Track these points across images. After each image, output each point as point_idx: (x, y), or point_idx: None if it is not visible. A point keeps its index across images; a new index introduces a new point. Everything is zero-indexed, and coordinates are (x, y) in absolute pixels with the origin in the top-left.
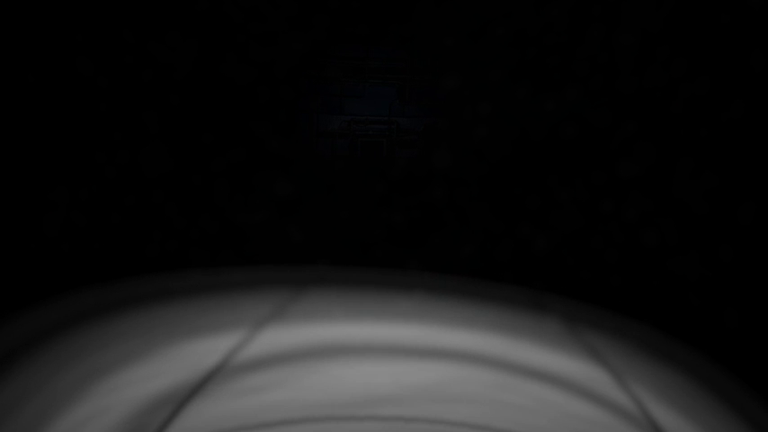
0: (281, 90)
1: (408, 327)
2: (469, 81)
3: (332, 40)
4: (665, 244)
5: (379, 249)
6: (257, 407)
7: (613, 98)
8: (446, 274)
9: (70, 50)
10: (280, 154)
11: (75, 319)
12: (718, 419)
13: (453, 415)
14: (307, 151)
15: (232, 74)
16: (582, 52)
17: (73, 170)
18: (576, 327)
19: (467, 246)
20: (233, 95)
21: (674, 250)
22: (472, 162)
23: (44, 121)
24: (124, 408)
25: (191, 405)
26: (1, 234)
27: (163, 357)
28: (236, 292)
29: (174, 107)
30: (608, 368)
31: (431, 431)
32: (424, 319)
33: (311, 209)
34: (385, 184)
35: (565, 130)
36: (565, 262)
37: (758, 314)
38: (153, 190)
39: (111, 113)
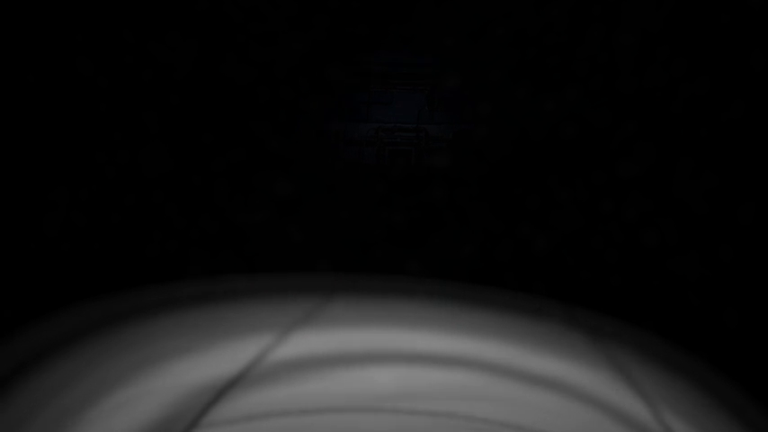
0: (281, 90)
1: (436, 334)
2: (469, 81)
3: (334, 41)
4: (665, 244)
5: (379, 249)
6: (291, 397)
7: (613, 98)
8: (447, 275)
9: (70, 50)
10: (280, 154)
11: (123, 316)
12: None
13: (476, 412)
14: (334, 158)
15: (232, 74)
16: (582, 52)
17: (73, 170)
18: (601, 339)
19: (467, 246)
20: (233, 95)
21: (674, 250)
22: (472, 162)
23: (44, 121)
24: (169, 392)
25: (228, 394)
26: (1, 234)
27: (204, 353)
28: (270, 297)
29: (174, 107)
30: (629, 381)
31: (451, 426)
32: (451, 326)
33: (311, 209)
34: (385, 184)
35: (565, 130)
36: (565, 262)
37: (758, 314)
38: (153, 190)
39: (111, 113)
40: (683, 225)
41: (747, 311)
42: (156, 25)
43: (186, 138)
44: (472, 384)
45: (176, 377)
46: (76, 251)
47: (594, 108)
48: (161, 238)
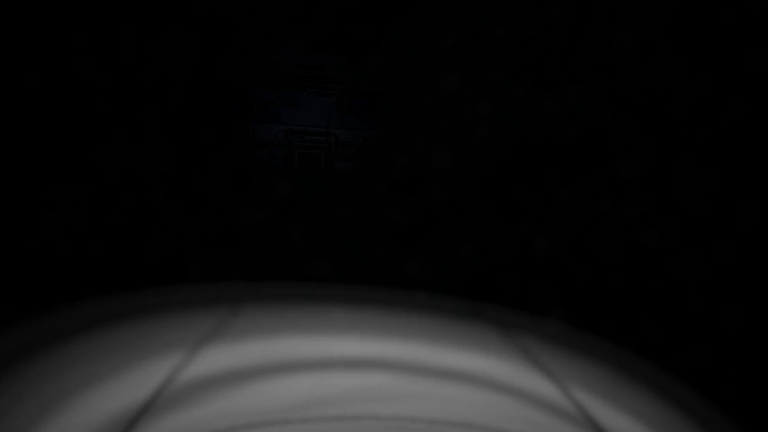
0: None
1: (349, 338)
2: (469, 81)
3: (334, 41)
4: (665, 244)
5: (378, 249)
6: (200, 419)
7: (613, 98)
8: (447, 275)
9: (70, 50)
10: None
11: (26, 345)
12: (653, 412)
13: (390, 411)
14: (242, 159)
15: (232, 74)
16: (582, 52)
17: (73, 170)
18: (510, 331)
19: (467, 246)
20: (233, 95)
21: (674, 250)
22: (472, 162)
23: (44, 121)
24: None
25: (139, 424)
26: (1, 234)
27: (113, 379)
28: (176, 311)
29: (174, 107)
30: (542, 370)
31: (360, 428)
32: (364, 330)
33: (311, 209)
34: (385, 184)
35: (565, 130)
36: (565, 262)
37: (758, 314)
38: (153, 190)
39: (111, 113)
40: (683, 225)
41: (747, 311)
42: (156, 25)
43: (186, 138)
44: (385, 385)
45: (85, 411)
46: (76, 251)
47: (594, 108)
48: (161, 238)
